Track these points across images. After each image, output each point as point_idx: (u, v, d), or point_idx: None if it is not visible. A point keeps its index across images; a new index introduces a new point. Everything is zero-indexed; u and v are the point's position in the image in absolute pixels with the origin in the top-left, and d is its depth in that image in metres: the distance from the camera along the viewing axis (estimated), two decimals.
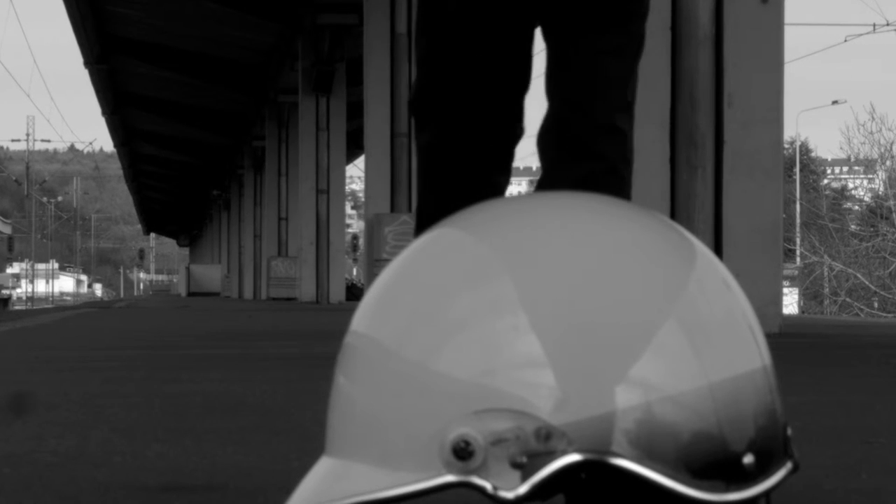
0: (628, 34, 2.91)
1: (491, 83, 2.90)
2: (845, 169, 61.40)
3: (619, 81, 2.89)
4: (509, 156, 2.99)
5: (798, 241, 42.91)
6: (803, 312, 36.84)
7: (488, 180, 2.92)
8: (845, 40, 42.56)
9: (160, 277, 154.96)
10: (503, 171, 2.97)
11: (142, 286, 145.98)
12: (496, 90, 2.91)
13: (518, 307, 1.42)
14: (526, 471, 1.38)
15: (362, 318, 1.52)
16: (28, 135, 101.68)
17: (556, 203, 1.58)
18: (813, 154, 62.58)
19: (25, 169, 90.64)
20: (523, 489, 1.38)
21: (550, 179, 2.86)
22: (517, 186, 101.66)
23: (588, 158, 2.83)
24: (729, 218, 9.27)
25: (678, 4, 9.06)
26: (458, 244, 1.51)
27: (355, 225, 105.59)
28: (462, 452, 1.38)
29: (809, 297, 41.89)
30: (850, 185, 57.97)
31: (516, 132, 2.97)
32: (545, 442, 1.37)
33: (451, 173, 2.93)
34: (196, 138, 50.41)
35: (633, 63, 2.92)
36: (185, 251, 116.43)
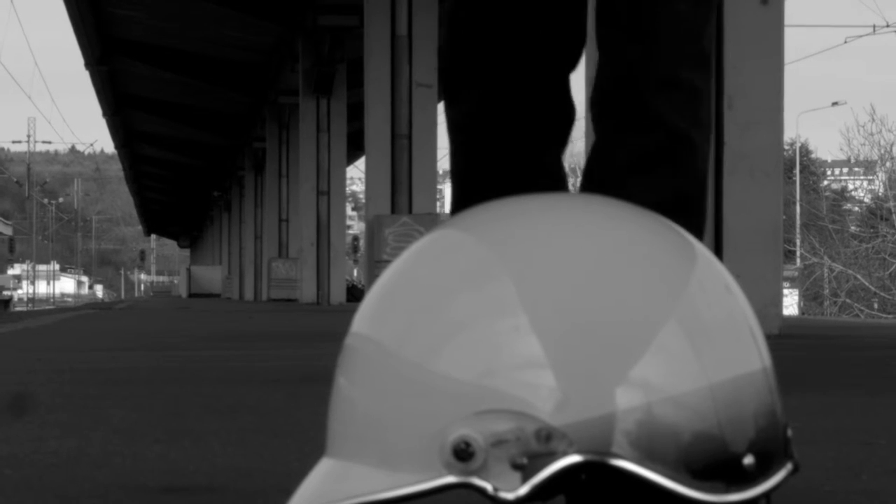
0: None
1: (536, 42, 2.34)
2: (845, 170, 61.50)
3: (690, 25, 2.28)
4: (562, 136, 2.39)
5: (798, 242, 42.97)
6: (803, 314, 36.86)
7: (541, 161, 2.36)
8: (845, 41, 42.69)
9: (161, 279, 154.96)
10: (556, 152, 2.39)
11: (142, 287, 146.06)
12: (541, 52, 2.34)
13: (518, 308, 1.41)
14: (526, 472, 1.38)
15: (362, 319, 1.51)
16: (29, 136, 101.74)
17: (557, 204, 1.58)
18: (813, 155, 62.68)
19: (26, 170, 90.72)
20: (524, 490, 1.38)
21: (603, 152, 2.29)
22: None
23: (645, 127, 2.25)
24: (729, 219, 9.28)
25: None
26: (459, 245, 1.51)
27: (356, 226, 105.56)
28: (462, 453, 1.38)
29: (809, 298, 41.93)
30: (850, 187, 58.02)
31: (567, 112, 2.39)
32: (546, 443, 1.37)
33: (495, 153, 2.35)
34: (197, 140, 50.44)
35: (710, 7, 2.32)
36: (186, 252, 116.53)
